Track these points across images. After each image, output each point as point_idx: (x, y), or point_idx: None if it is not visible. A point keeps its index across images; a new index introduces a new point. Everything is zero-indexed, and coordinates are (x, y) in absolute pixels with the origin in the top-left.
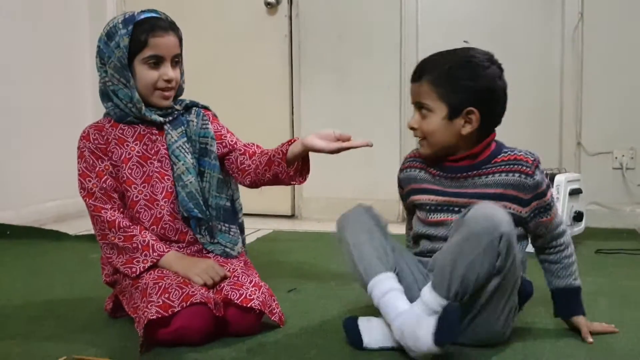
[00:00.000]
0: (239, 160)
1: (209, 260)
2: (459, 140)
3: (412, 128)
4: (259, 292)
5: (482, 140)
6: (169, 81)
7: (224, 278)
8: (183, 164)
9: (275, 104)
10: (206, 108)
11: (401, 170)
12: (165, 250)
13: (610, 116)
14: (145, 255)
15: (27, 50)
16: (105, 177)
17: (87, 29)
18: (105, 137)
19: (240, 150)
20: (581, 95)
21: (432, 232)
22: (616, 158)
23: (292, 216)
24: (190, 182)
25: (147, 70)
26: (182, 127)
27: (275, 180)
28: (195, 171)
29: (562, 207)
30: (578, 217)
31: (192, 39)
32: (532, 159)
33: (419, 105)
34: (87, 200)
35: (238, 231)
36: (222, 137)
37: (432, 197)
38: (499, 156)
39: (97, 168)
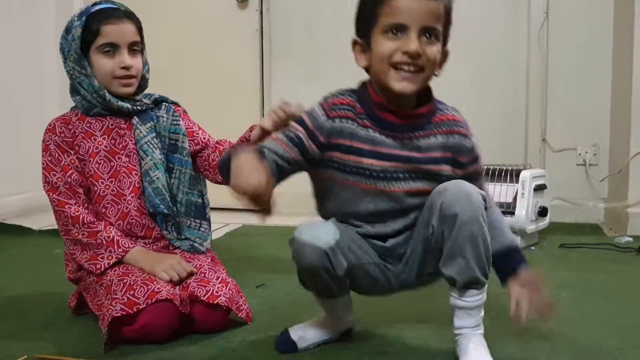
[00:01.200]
0: (210, 158)
1: (175, 256)
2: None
3: (417, 54)
4: (226, 289)
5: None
6: (126, 68)
7: (191, 274)
8: (151, 159)
9: (245, 99)
10: (176, 104)
11: (330, 117)
12: (130, 246)
13: (574, 113)
14: (110, 252)
15: None
16: (71, 171)
17: (52, 22)
18: (72, 131)
19: (212, 147)
20: (546, 92)
21: (367, 203)
22: (580, 154)
23: None
24: (158, 178)
25: (102, 59)
26: (152, 122)
27: None
28: (164, 167)
29: (527, 203)
30: (543, 212)
31: (162, 32)
32: (464, 120)
33: (426, 30)
34: (51, 194)
35: (209, 227)
36: (194, 134)
37: (374, 161)
38: (436, 114)
39: (63, 162)
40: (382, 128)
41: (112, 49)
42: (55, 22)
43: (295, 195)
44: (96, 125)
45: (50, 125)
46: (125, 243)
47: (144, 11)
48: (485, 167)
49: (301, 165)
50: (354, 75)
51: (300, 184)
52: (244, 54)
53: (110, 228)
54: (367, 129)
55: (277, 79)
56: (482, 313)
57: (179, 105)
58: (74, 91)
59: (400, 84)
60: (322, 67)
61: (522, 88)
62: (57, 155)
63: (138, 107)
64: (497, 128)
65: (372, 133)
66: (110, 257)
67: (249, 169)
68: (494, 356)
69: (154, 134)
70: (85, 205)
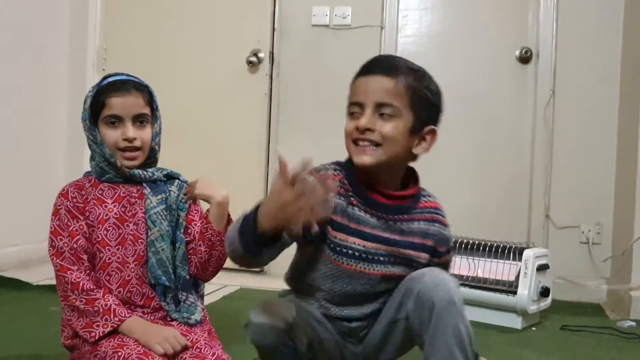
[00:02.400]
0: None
1: (171, 328)
2: (404, 161)
3: (367, 129)
4: None
5: (406, 170)
6: (129, 140)
7: (185, 348)
8: (158, 230)
9: (251, 161)
10: (186, 183)
11: None
12: (127, 316)
13: (578, 191)
14: (106, 320)
15: (1, 92)
16: (78, 237)
17: (65, 78)
18: (84, 196)
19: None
20: (550, 168)
21: (343, 283)
22: (583, 232)
23: (260, 272)
24: (163, 250)
25: (107, 130)
26: (163, 194)
27: (211, 250)
28: (169, 239)
29: (530, 283)
30: (545, 292)
31: (172, 92)
32: (442, 209)
33: (380, 106)
34: (55, 259)
35: (196, 301)
36: (191, 226)
37: (358, 240)
38: (421, 200)
39: (71, 227)
40: (369, 207)
41: (116, 120)
42: (68, 75)
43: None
44: (108, 192)
45: (63, 190)
46: (122, 312)
47: (156, 71)
48: (489, 243)
49: (299, 237)
50: None
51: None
52: (252, 116)
53: (108, 296)
54: (354, 207)
55: (284, 143)
56: None
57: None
58: (90, 158)
59: (358, 157)
60: (328, 132)
61: (527, 163)
62: (66, 220)
63: (149, 175)
64: (500, 202)
65: (357, 212)
66: (105, 326)
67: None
68: None
69: (164, 206)
70: (88, 272)
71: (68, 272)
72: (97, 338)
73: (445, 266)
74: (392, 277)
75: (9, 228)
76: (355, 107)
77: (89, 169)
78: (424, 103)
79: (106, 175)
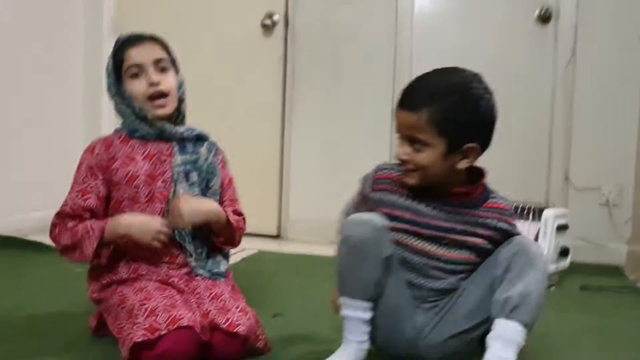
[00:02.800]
0: None
1: (155, 218)
2: (451, 174)
3: (402, 161)
4: (245, 318)
5: (471, 174)
6: (156, 85)
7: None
8: (182, 189)
9: (266, 123)
10: (216, 145)
11: (374, 189)
12: (103, 224)
13: (598, 152)
14: (89, 238)
15: (20, 61)
16: (89, 196)
17: (81, 40)
18: (111, 154)
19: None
20: (570, 130)
21: (413, 259)
22: (603, 194)
23: (277, 236)
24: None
25: (132, 83)
26: (189, 155)
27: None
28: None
29: (549, 242)
30: (564, 252)
31: (187, 58)
32: (510, 208)
33: (411, 139)
34: (54, 218)
35: (220, 257)
36: (222, 191)
37: (416, 228)
38: (488, 201)
39: (86, 185)
40: (429, 201)
41: (138, 69)
42: (84, 39)
43: (311, 222)
44: (138, 150)
45: (91, 145)
46: (97, 225)
47: (169, 36)
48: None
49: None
50: (374, 103)
51: (315, 212)
52: (267, 80)
53: (86, 221)
54: (405, 198)
55: (299, 107)
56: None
57: (220, 149)
58: (118, 117)
59: (405, 179)
60: (344, 96)
61: (546, 125)
62: (83, 176)
63: (180, 132)
64: (519, 164)
65: (410, 202)
66: (91, 244)
67: None
68: None
69: (189, 166)
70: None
71: (57, 229)
72: (92, 258)
73: None
74: (460, 261)
75: (31, 194)
76: (398, 135)
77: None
78: (454, 127)
79: (138, 132)
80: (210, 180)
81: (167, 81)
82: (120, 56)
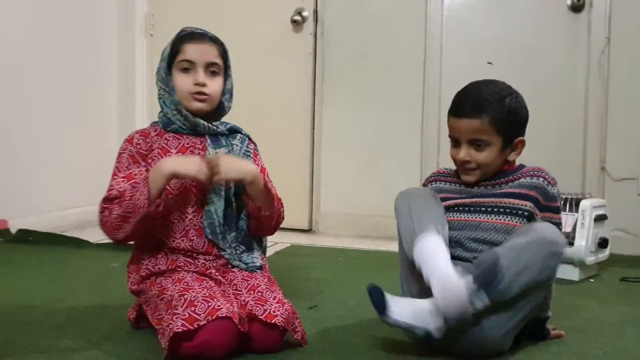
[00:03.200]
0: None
1: (189, 156)
2: (500, 164)
3: (464, 162)
4: (282, 309)
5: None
6: (199, 84)
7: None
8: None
9: (297, 119)
10: (250, 138)
11: (429, 181)
12: (146, 174)
13: (635, 142)
14: (137, 191)
15: (55, 60)
16: (134, 180)
17: (114, 45)
18: (148, 144)
19: None
20: (606, 120)
21: (452, 234)
22: None
23: (309, 230)
24: (213, 202)
25: (180, 76)
26: (224, 148)
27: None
28: (222, 192)
29: (587, 233)
30: (603, 243)
31: None
32: (545, 168)
33: (472, 141)
34: (102, 203)
35: (256, 250)
36: None
37: (458, 200)
38: (524, 169)
39: (130, 171)
40: (472, 186)
41: (189, 66)
42: (117, 44)
43: (342, 216)
44: (173, 143)
45: (129, 136)
46: (138, 177)
47: None
48: None
49: None
50: (405, 100)
51: (346, 206)
52: (297, 76)
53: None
54: (455, 184)
55: (329, 102)
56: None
57: (252, 141)
58: (161, 110)
59: (464, 177)
60: (374, 90)
61: (581, 115)
62: (126, 163)
63: (213, 128)
64: (554, 156)
65: (458, 187)
66: (142, 194)
67: None
68: None
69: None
70: None
71: (105, 210)
72: (147, 207)
73: (557, 226)
74: (503, 226)
75: (68, 191)
76: (453, 138)
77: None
78: (508, 125)
79: (172, 125)
80: None
81: (213, 86)
82: (177, 47)
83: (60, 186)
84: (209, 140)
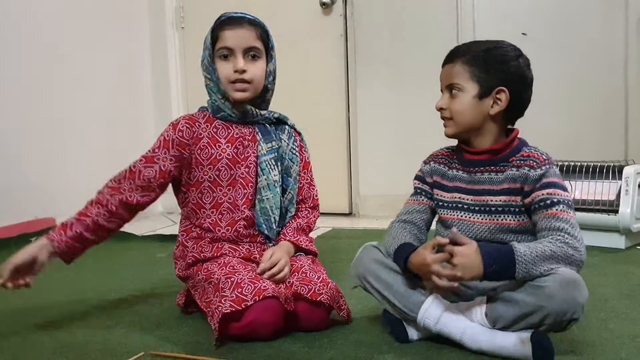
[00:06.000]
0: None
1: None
2: (484, 121)
3: (440, 109)
4: (326, 288)
5: (505, 130)
6: (239, 71)
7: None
8: (266, 179)
9: (331, 103)
10: (295, 130)
11: (426, 163)
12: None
13: None
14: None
15: (84, 54)
16: (151, 165)
17: (147, 39)
18: (195, 133)
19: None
20: None
21: (442, 233)
22: None
23: (349, 214)
24: (268, 199)
25: (220, 63)
26: (274, 142)
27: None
28: (277, 188)
29: (632, 200)
30: None
31: None
32: (543, 157)
33: (449, 87)
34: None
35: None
36: (300, 183)
37: (444, 193)
38: (517, 154)
39: (154, 155)
40: (464, 166)
41: (228, 53)
42: (149, 36)
43: (381, 197)
44: (222, 132)
45: (175, 121)
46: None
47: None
48: (586, 163)
49: (432, 205)
50: (437, 75)
51: (385, 187)
52: (329, 58)
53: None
54: (453, 170)
55: (363, 82)
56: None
57: (298, 132)
58: (209, 97)
59: (444, 130)
60: (407, 68)
61: (621, 81)
62: (157, 146)
63: (261, 115)
64: (595, 123)
65: (455, 172)
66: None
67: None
68: None
69: (274, 155)
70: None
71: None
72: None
73: (549, 205)
74: (503, 226)
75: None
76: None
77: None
78: (483, 69)
79: (221, 112)
80: (291, 167)
81: (253, 70)
82: (216, 34)
83: (102, 180)
84: (260, 134)
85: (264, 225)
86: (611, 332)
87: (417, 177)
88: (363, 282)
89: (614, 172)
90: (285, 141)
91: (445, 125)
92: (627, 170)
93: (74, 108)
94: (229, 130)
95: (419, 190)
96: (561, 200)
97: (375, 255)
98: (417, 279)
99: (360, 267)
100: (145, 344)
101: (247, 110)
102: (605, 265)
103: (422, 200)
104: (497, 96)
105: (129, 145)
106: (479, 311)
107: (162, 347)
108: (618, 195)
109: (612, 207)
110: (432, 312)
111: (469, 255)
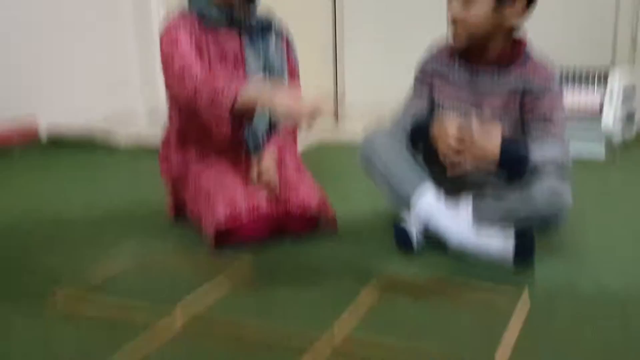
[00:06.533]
0: None
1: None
2: (498, 32)
3: (454, 20)
4: (314, 194)
5: (514, 39)
6: None
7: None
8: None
9: (318, 67)
10: (282, 33)
11: (427, 62)
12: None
13: None
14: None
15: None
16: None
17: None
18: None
19: None
20: None
21: None
22: None
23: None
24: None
25: None
26: (261, 51)
27: None
28: (267, 116)
29: (615, 106)
30: (630, 117)
31: None
32: (547, 71)
33: None
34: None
35: None
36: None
37: (444, 95)
38: (527, 64)
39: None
40: (466, 70)
41: None
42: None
43: (367, 105)
44: (210, 38)
45: (176, 24)
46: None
47: None
48: (572, 69)
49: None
50: (426, 35)
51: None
52: (317, 21)
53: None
54: (453, 69)
55: (350, 45)
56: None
57: (285, 32)
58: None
59: (454, 40)
60: (395, 31)
61: None
62: (188, 48)
63: (247, 22)
64: (583, 25)
65: (457, 76)
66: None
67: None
68: None
69: (261, 61)
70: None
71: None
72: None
73: (542, 118)
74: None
75: (95, 89)
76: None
77: None
78: None
79: (207, 16)
80: (279, 74)
81: None
82: None
83: (87, 92)
84: (246, 39)
85: (251, 142)
86: (592, 238)
87: (417, 78)
88: (368, 165)
89: (600, 77)
90: (272, 48)
91: (456, 36)
92: (612, 77)
93: (52, 13)
94: (217, 38)
95: (419, 92)
96: (556, 115)
97: (381, 138)
98: (426, 162)
99: (368, 149)
100: (131, 248)
101: (233, 13)
102: (587, 171)
103: (422, 101)
104: (515, 3)
105: (106, 49)
106: (466, 208)
107: (154, 253)
108: (602, 103)
109: (595, 115)
110: (426, 198)
111: (490, 132)
